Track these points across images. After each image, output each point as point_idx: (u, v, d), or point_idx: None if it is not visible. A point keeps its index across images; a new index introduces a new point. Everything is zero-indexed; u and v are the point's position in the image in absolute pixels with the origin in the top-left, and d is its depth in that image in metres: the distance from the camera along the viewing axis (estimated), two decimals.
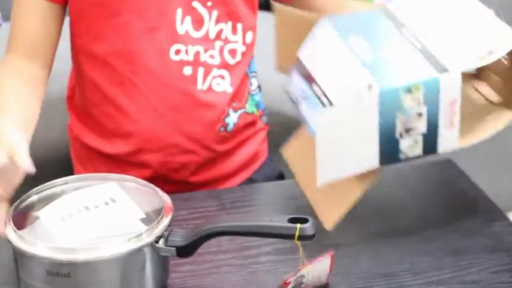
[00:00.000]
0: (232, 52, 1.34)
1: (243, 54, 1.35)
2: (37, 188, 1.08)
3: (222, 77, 1.33)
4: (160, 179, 1.31)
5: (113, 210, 1.05)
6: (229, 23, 1.32)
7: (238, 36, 1.34)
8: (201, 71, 1.31)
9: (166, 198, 1.06)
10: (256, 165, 1.44)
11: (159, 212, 1.03)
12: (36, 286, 0.99)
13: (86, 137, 1.40)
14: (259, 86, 1.44)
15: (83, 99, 1.38)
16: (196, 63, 1.31)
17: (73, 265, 0.97)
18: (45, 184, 1.09)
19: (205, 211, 1.20)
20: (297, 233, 0.98)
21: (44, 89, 1.30)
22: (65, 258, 0.96)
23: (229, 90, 1.34)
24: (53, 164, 1.60)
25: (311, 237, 0.98)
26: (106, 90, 1.32)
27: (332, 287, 1.05)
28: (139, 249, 0.99)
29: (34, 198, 1.07)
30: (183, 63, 1.30)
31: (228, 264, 1.10)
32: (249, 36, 1.35)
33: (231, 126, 1.36)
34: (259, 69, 1.44)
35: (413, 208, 1.22)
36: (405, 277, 1.07)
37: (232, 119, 1.36)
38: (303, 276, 1.01)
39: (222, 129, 1.35)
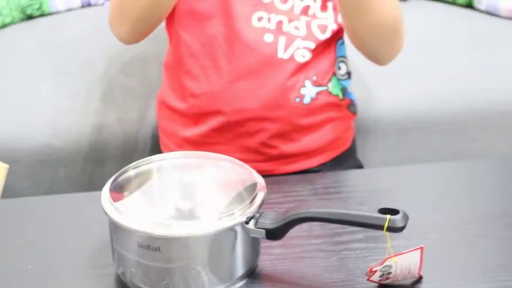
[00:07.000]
0: (322, 27, 1.33)
1: (334, 32, 1.34)
2: (135, 163, 1.10)
3: (308, 49, 1.33)
4: (238, 144, 1.33)
5: (207, 189, 1.07)
6: (318, 1, 1.32)
7: (329, 14, 1.33)
8: (282, 39, 1.31)
9: (259, 179, 1.07)
10: (334, 152, 1.41)
11: (251, 193, 1.04)
12: (128, 257, 1.02)
13: (169, 98, 1.41)
14: (348, 73, 1.40)
15: (171, 59, 1.40)
16: (278, 31, 1.31)
17: (164, 240, 0.99)
18: (143, 159, 1.11)
19: (298, 195, 1.20)
20: (386, 224, 0.97)
21: None
22: (156, 233, 0.99)
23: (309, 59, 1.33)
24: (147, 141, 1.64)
25: (400, 229, 0.97)
26: (192, 49, 1.34)
27: (425, 281, 1.03)
28: (230, 229, 1.00)
29: (131, 172, 1.09)
30: (264, 30, 1.31)
31: (319, 249, 1.10)
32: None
33: (307, 100, 1.34)
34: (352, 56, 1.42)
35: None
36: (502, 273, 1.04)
37: (310, 92, 1.34)
38: (390, 266, 1.00)
39: (297, 99, 1.33)
